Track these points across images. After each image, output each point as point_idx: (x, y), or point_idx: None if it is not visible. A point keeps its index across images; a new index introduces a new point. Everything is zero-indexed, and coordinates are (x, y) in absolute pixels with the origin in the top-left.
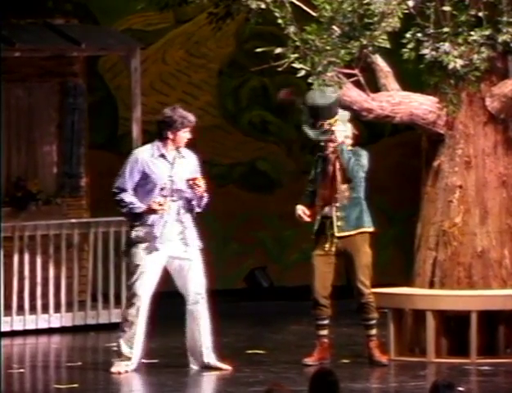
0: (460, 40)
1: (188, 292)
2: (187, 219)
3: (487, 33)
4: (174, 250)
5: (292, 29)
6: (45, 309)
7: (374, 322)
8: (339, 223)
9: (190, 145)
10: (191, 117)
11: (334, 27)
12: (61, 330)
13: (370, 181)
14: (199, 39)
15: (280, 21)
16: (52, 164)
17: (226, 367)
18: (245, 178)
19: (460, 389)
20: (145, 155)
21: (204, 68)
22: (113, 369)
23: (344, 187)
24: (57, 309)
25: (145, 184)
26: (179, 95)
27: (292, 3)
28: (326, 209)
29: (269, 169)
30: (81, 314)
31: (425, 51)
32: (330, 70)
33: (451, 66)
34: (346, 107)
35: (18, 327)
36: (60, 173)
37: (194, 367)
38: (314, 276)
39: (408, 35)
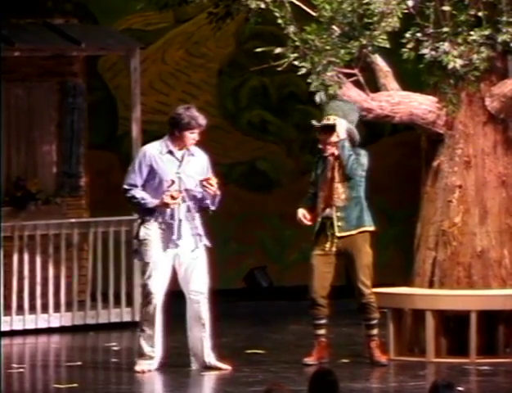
0: (459, 40)
1: (190, 291)
2: (196, 217)
3: (486, 33)
4: (186, 246)
5: (292, 28)
6: (44, 309)
7: (375, 322)
8: (340, 224)
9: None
10: (201, 120)
11: (333, 27)
12: (61, 330)
13: (370, 181)
14: (198, 39)
15: (279, 21)
16: (52, 163)
17: (226, 367)
18: (245, 178)
19: (460, 389)
20: (153, 151)
21: (203, 68)
22: (137, 368)
23: (343, 187)
24: (57, 308)
25: (152, 180)
26: (179, 95)
27: (292, 3)
28: (327, 210)
29: (269, 168)
30: (80, 314)
31: (425, 50)
32: (329, 69)
33: (450, 66)
34: None
35: (17, 326)
36: (60, 172)
37: (195, 366)
38: (313, 276)
39: (408, 35)
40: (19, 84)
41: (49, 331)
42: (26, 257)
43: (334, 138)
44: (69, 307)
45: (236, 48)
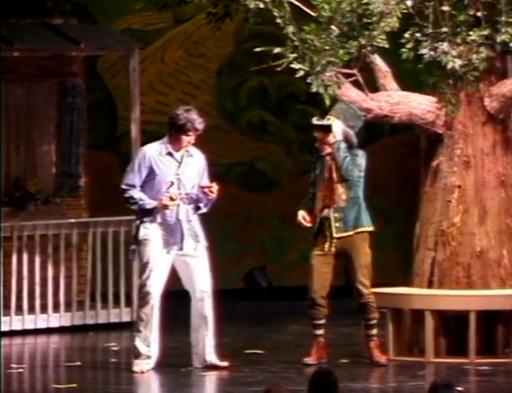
0: (458, 40)
1: (194, 290)
2: (195, 217)
3: (485, 33)
4: (183, 247)
5: (291, 28)
6: (44, 309)
7: (374, 322)
8: (338, 224)
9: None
10: (198, 124)
11: (332, 27)
12: (60, 330)
13: (369, 181)
14: (198, 39)
15: (278, 21)
16: (51, 163)
17: (225, 364)
18: (244, 178)
19: (459, 389)
20: (152, 152)
21: (202, 68)
22: (135, 368)
23: (341, 188)
24: (56, 308)
25: (151, 181)
26: (178, 95)
27: (291, 3)
28: (325, 211)
29: (268, 168)
30: (80, 314)
31: (424, 51)
32: (328, 69)
33: (449, 66)
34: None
35: (17, 326)
36: (59, 172)
37: (196, 365)
38: (312, 276)
39: (407, 35)
40: (18, 84)
41: (48, 331)
42: (25, 257)
43: (330, 139)
44: (68, 307)
45: (235, 48)
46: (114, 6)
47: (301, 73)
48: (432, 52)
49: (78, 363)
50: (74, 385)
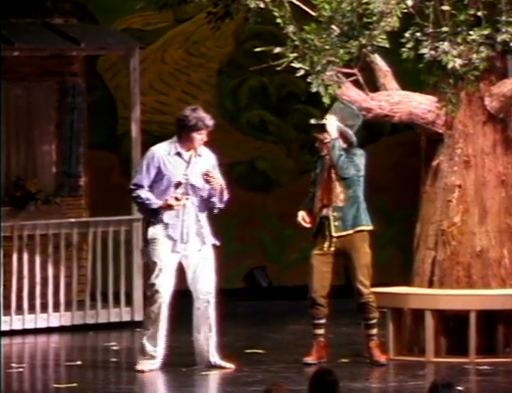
0: (459, 39)
1: (199, 291)
2: (203, 217)
3: (486, 32)
4: (190, 248)
5: (291, 28)
6: (44, 309)
7: (374, 321)
8: (336, 223)
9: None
10: (209, 121)
11: (333, 26)
12: (60, 329)
13: (370, 180)
14: (198, 39)
15: (279, 21)
16: (51, 163)
17: (230, 365)
18: (244, 178)
19: (459, 388)
20: (161, 152)
21: (203, 67)
22: (138, 367)
23: (340, 187)
24: (56, 308)
25: (159, 181)
26: (178, 94)
27: (291, 3)
28: (324, 210)
29: (268, 168)
30: (80, 314)
31: (424, 50)
32: (328, 69)
33: (450, 66)
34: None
35: (17, 326)
36: (60, 172)
37: (199, 365)
38: (313, 275)
39: (407, 35)
40: (18, 84)
41: (48, 330)
42: (26, 257)
43: (325, 137)
44: (68, 307)
45: (236, 48)
46: (115, 6)
47: (301, 72)
48: (432, 52)
49: (79, 363)
50: (75, 384)
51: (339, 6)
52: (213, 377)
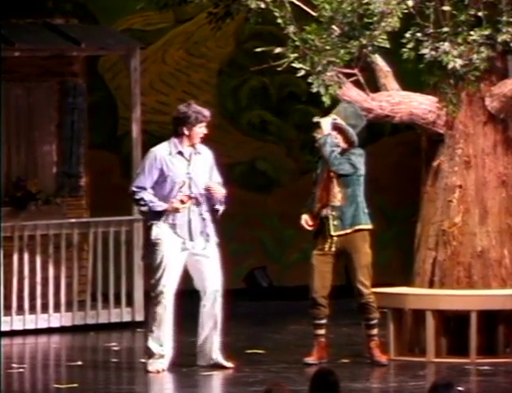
0: (459, 40)
1: (205, 289)
2: (207, 215)
3: (486, 32)
4: (195, 246)
5: (291, 28)
6: (44, 309)
7: (374, 322)
8: (335, 223)
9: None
10: (206, 112)
11: (333, 27)
12: (61, 330)
13: (369, 181)
14: (198, 39)
15: (279, 21)
16: (52, 163)
17: (230, 365)
18: (245, 178)
19: (460, 389)
20: (163, 153)
21: (203, 68)
22: (150, 368)
23: (338, 186)
24: (57, 308)
25: (163, 182)
26: (179, 95)
27: (291, 3)
28: (324, 210)
29: (269, 168)
30: (80, 314)
31: (425, 50)
32: (329, 69)
33: (450, 66)
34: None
35: (18, 326)
36: (60, 172)
37: (201, 364)
38: (313, 275)
39: (408, 35)
40: (19, 84)
41: (49, 331)
42: (26, 257)
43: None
44: (69, 307)
45: (236, 48)
46: (115, 6)
47: (302, 73)
48: (433, 52)
49: (79, 363)
50: (75, 385)
51: (340, 6)
52: (214, 378)
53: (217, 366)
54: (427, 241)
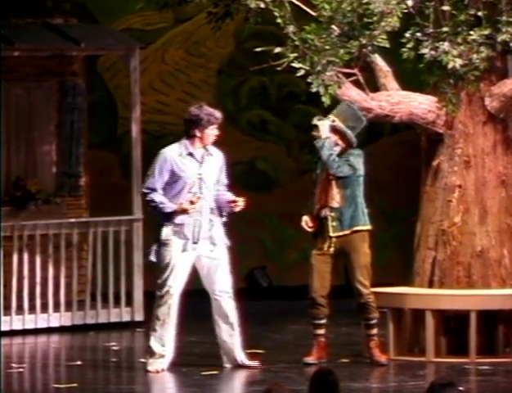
0: (459, 40)
1: (215, 291)
2: (215, 217)
3: (486, 32)
4: (203, 248)
5: (291, 28)
6: (44, 309)
7: (374, 322)
8: (334, 224)
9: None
10: (218, 114)
11: (333, 26)
12: (60, 329)
13: (369, 181)
14: (198, 39)
15: (279, 21)
16: (52, 163)
17: (256, 363)
18: (245, 178)
19: (460, 388)
20: (173, 154)
21: (203, 67)
22: (150, 368)
23: (337, 187)
24: (56, 308)
25: (174, 183)
26: (178, 94)
27: (291, 3)
28: (323, 211)
29: (268, 168)
30: (80, 314)
31: (425, 50)
32: (329, 69)
33: (450, 66)
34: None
35: (17, 326)
36: (60, 172)
37: (226, 365)
38: (313, 275)
39: (407, 35)
40: (18, 84)
41: (49, 330)
42: (26, 257)
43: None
44: (68, 307)
45: (236, 48)
46: (115, 6)
47: (301, 72)
48: (432, 52)
49: (79, 363)
50: (75, 384)
51: (340, 6)
52: (214, 377)
53: (243, 366)
54: (426, 241)
